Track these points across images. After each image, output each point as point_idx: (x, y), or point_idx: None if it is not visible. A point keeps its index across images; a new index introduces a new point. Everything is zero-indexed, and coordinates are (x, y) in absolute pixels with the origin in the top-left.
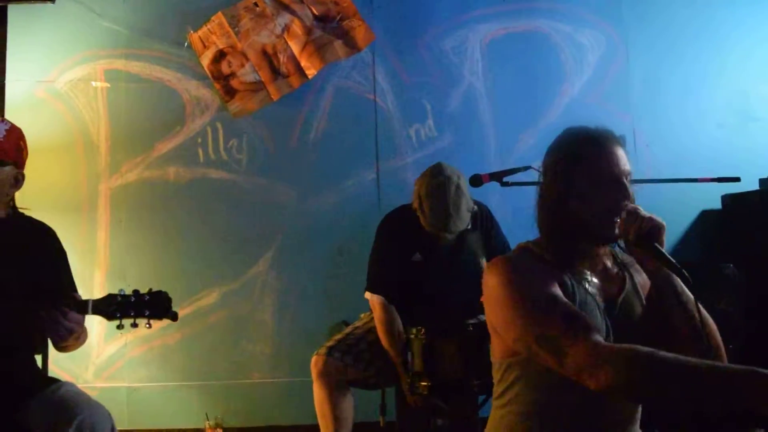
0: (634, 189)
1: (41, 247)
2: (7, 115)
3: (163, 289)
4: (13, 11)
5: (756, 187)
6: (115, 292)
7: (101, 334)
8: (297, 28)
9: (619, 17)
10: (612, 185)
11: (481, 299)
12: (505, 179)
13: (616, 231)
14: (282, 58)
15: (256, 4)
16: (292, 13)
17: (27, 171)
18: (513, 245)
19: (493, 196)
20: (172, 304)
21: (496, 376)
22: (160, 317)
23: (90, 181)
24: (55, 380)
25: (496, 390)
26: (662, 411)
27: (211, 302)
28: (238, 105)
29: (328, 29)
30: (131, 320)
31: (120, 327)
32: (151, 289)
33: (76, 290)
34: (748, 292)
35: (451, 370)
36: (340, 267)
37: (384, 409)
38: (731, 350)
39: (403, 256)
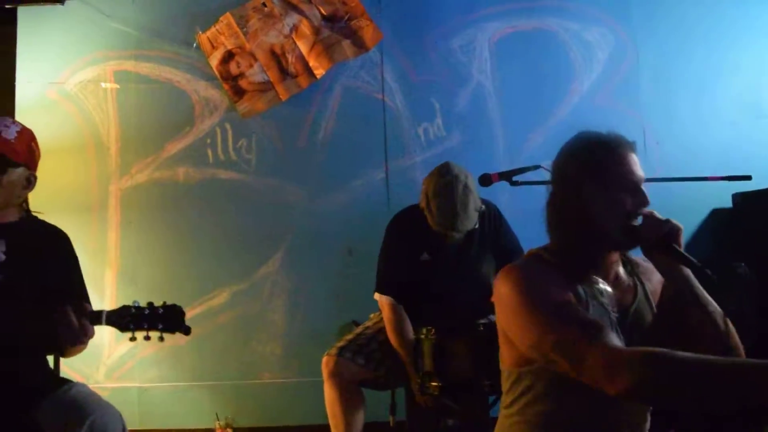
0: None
1: (54, 251)
2: (18, 117)
3: (174, 290)
4: (22, 13)
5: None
6: (126, 292)
7: (112, 335)
8: (305, 28)
9: (627, 14)
10: (629, 192)
11: (491, 299)
12: (514, 178)
13: (634, 237)
14: (290, 58)
15: (264, 5)
16: (301, 13)
17: (38, 172)
18: (522, 244)
19: (502, 195)
20: (183, 305)
21: (504, 384)
22: (173, 331)
23: (100, 181)
24: (66, 381)
25: (505, 399)
26: (676, 414)
27: (221, 302)
28: (247, 105)
29: (336, 29)
30: (144, 332)
31: (133, 339)
32: (165, 302)
33: (87, 298)
34: (760, 291)
35: (461, 370)
36: (350, 267)
37: (394, 409)
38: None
39: (412, 256)
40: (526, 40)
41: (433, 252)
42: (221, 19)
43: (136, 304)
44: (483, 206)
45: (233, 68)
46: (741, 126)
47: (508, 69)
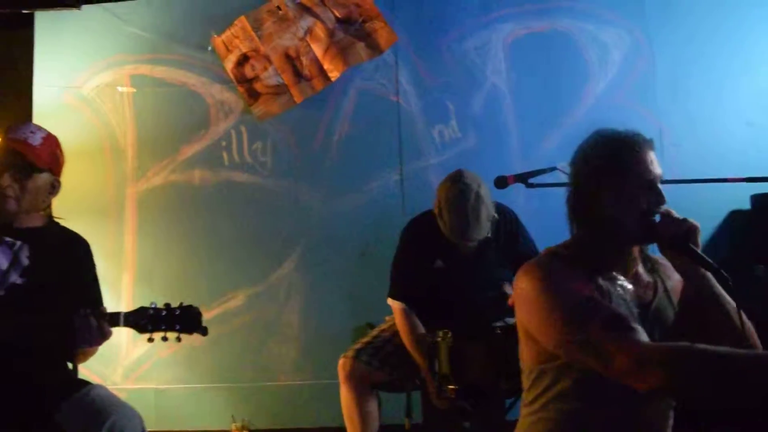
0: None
1: (75, 257)
2: (36, 121)
3: (190, 292)
4: (40, 17)
5: None
6: (143, 294)
7: (129, 337)
8: (319, 30)
9: (642, 15)
10: (647, 189)
11: (510, 303)
12: (530, 180)
13: (651, 234)
14: (305, 61)
15: (278, 8)
16: (315, 16)
17: None
18: (539, 246)
19: (517, 197)
20: (200, 307)
21: (526, 382)
22: (190, 331)
23: (117, 185)
24: (86, 383)
25: (527, 397)
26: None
27: (237, 305)
28: (262, 108)
29: (350, 31)
30: (162, 333)
31: (150, 340)
32: (182, 303)
33: (102, 303)
34: None
35: (477, 373)
36: (365, 269)
37: (410, 411)
38: None
39: (425, 263)
40: (540, 41)
41: (447, 259)
42: (236, 22)
43: (154, 305)
44: (496, 215)
45: (248, 71)
46: (759, 127)
47: (523, 70)
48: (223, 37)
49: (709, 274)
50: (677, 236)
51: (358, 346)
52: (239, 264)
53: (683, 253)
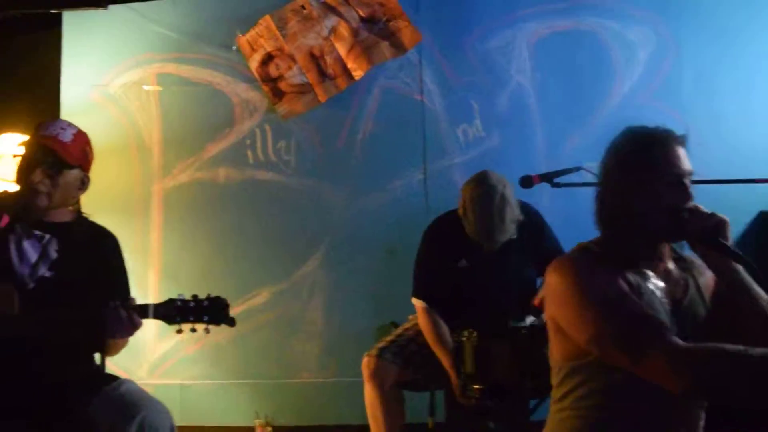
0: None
1: (104, 251)
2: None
3: (215, 289)
4: (67, 17)
5: None
6: (168, 290)
7: (155, 332)
8: (343, 30)
9: (668, 12)
10: (676, 185)
11: (535, 303)
12: (555, 180)
13: (680, 229)
14: (329, 60)
15: (303, 7)
16: (339, 15)
17: None
18: (564, 246)
19: (541, 197)
20: None
21: (555, 378)
22: (218, 323)
23: (143, 182)
24: (115, 377)
25: (556, 393)
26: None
27: (261, 302)
28: (286, 107)
29: (374, 31)
30: (190, 325)
31: (179, 332)
32: (209, 295)
33: (131, 296)
34: None
35: (502, 373)
36: (388, 267)
37: (433, 410)
38: None
39: (449, 263)
40: (565, 40)
41: (471, 258)
42: (260, 21)
43: (182, 297)
44: (521, 216)
45: (272, 70)
46: None
47: (548, 69)
48: (248, 36)
49: (740, 268)
50: (706, 231)
51: (381, 344)
52: (263, 261)
53: (713, 247)
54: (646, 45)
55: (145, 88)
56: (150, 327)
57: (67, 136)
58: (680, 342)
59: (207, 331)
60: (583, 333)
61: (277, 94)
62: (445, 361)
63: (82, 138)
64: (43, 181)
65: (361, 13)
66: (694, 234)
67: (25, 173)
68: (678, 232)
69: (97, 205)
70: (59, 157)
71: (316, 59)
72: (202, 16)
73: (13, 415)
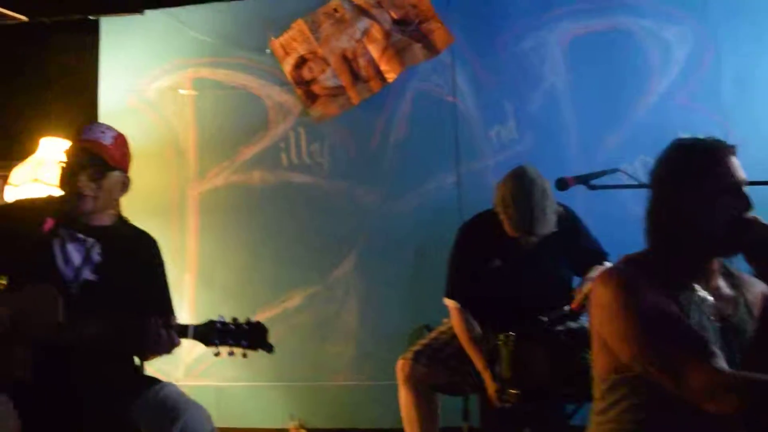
0: None
1: (145, 256)
2: None
3: (249, 291)
4: (105, 23)
5: None
6: (204, 291)
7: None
8: (376, 32)
9: (706, 11)
10: (730, 194)
11: (573, 306)
12: (592, 182)
13: (737, 241)
14: (362, 62)
15: (335, 10)
16: (371, 17)
17: None
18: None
19: (576, 199)
20: (259, 306)
21: (597, 390)
22: (256, 348)
23: (179, 185)
24: (156, 380)
25: (598, 405)
26: None
27: (295, 304)
28: (320, 110)
29: (407, 32)
30: (228, 348)
31: (217, 354)
32: (248, 319)
33: (172, 306)
34: None
35: (540, 377)
36: (422, 270)
37: (467, 415)
38: None
39: (482, 263)
40: (600, 40)
41: (505, 257)
42: (293, 25)
43: (221, 319)
44: (561, 209)
45: (306, 73)
46: None
47: (582, 70)
48: (282, 40)
49: None
50: (766, 243)
51: (416, 348)
52: (297, 264)
53: None
54: (683, 44)
55: (181, 92)
56: None
57: (108, 139)
58: (724, 367)
59: (244, 356)
60: (626, 350)
61: (311, 97)
62: (478, 363)
63: (122, 140)
64: (89, 185)
65: (394, 15)
66: (754, 245)
67: (69, 177)
68: (735, 243)
69: (134, 208)
70: (102, 160)
71: (349, 62)
72: (237, 21)
73: (56, 419)
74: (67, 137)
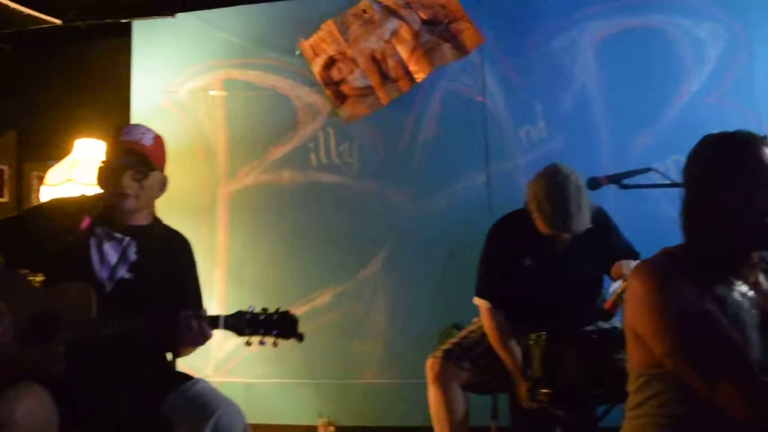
0: None
1: (179, 256)
2: None
3: (278, 289)
4: (137, 26)
5: None
6: (234, 289)
7: (221, 331)
8: (405, 32)
9: (740, 8)
10: (765, 187)
11: (606, 306)
12: (624, 182)
13: None
14: (391, 62)
15: (364, 11)
16: (400, 18)
17: None
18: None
19: (607, 199)
20: (288, 304)
21: (632, 385)
22: (287, 337)
23: (210, 185)
24: (188, 377)
25: (633, 400)
26: None
27: (324, 303)
28: (349, 110)
29: (436, 33)
30: (259, 338)
31: (248, 344)
32: (278, 309)
33: (202, 302)
34: None
35: (572, 378)
36: (450, 270)
37: (496, 414)
38: None
39: (514, 262)
40: (631, 38)
41: (536, 257)
42: (322, 26)
43: (252, 309)
44: (594, 205)
45: (335, 74)
46: None
47: (614, 69)
48: (311, 41)
49: None
50: None
51: (446, 346)
52: (326, 262)
53: None
54: (716, 42)
55: (211, 93)
56: None
57: (148, 140)
58: (757, 376)
59: (275, 344)
60: (659, 345)
61: (340, 98)
62: (509, 363)
63: (160, 141)
64: (131, 185)
65: (423, 15)
66: None
67: (111, 177)
68: None
69: (166, 207)
70: (145, 161)
71: (377, 62)
72: (266, 23)
73: (90, 415)
74: (100, 138)
